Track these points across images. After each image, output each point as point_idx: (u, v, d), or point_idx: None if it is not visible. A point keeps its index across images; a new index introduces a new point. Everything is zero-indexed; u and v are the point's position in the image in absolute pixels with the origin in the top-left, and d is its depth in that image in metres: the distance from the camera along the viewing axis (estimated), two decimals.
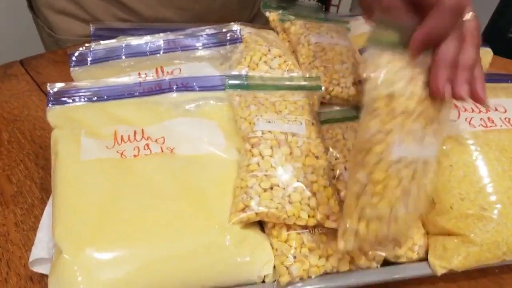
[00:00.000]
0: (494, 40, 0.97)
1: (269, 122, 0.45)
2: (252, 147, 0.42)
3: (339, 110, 0.54)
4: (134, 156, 0.42)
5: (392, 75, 0.33)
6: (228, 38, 0.58)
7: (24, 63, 0.68)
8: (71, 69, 0.55)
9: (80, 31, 0.71)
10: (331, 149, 0.47)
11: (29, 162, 0.51)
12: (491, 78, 0.55)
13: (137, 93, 0.50)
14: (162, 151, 0.43)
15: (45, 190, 0.47)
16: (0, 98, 0.61)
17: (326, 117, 0.53)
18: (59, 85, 0.48)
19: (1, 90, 0.62)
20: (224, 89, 0.51)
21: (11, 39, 1.28)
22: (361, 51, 0.64)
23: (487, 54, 0.63)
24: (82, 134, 0.44)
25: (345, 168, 0.46)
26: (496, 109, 0.48)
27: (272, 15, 0.70)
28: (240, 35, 0.58)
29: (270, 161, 0.41)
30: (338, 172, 0.45)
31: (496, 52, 0.98)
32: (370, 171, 0.33)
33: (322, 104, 0.55)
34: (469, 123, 0.46)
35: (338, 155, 0.47)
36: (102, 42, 0.61)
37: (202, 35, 0.58)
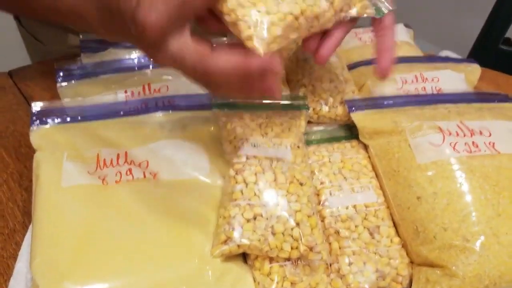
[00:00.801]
0: (485, 52, 0.98)
1: (254, 146, 0.45)
2: (236, 174, 0.42)
3: (327, 130, 0.54)
4: (116, 182, 0.42)
5: None
6: None
7: (13, 74, 0.67)
8: (58, 85, 0.54)
9: (69, 41, 0.70)
10: (316, 173, 0.47)
11: (12, 182, 0.50)
12: (478, 97, 0.55)
13: (123, 112, 0.49)
14: (145, 176, 0.43)
15: (27, 213, 0.46)
16: None
17: (313, 138, 0.53)
18: (43, 104, 0.48)
19: None
20: (211, 108, 0.51)
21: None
22: (349, 67, 0.63)
23: (475, 71, 0.63)
24: (64, 158, 0.43)
25: (330, 194, 0.46)
26: (481, 133, 0.48)
27: None
28: None
29: (254, 188, 0.41)
30: (323, 197, 0.45)
31: (487, 64, 0.98)
32: None
33: (310, 123, 0.55)
34: (454, 148, 0.46)
35: (323, 179, 0.47)
36: (89, 56, 0.61)
37: None
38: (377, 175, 0.49)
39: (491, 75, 0.81)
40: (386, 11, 0.45)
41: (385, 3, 0.45)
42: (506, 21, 0.95)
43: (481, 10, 1.07)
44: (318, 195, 0.46)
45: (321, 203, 0.45)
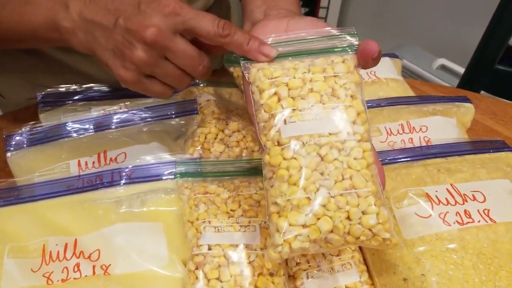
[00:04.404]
0: (480, 72, 0.93)
1: (218, 231, 0.40)
2: (196, 268, 0.37)
3: None
4: (62, 280, 0.38)
5: None
6: (183, 110, 0.52)
7: None
8: (7, 154, 0.49)
9: (28, 94, 0.65)
10: None
11: None
12: (471, 148, 0.50)
13: (75, 189, 0.44)
14: (94, 273, 0.38)
15: None
16: None
17: None
18: None
19: None
20: (173, 177, 0.46)
21: None
22: None
23: (467, 112, 0.58)
24: (5, 254, 0.39)
25: (307, 276, 0.41)
26: (474, 198, 0.43)
27: (237, 71, 0.64)
28: (196, 106, 0.52)
29: (216, 286, 0.36)
30: (298, 282, 0.40)
31: (483, 86, 0.93)
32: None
33: None
34: (443, 220, 0.41)
35: (299, 259, 0.42)
36: (46, 112, 0.57)
37: (154, 106, 0.53)
38: (360, 247, 0.44)
39: (486, 104, 0.76)
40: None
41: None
42: (503, 39, 0.90)
43: (480, 19, 1.02)
44: (294, 277, 0.41)
45: None
